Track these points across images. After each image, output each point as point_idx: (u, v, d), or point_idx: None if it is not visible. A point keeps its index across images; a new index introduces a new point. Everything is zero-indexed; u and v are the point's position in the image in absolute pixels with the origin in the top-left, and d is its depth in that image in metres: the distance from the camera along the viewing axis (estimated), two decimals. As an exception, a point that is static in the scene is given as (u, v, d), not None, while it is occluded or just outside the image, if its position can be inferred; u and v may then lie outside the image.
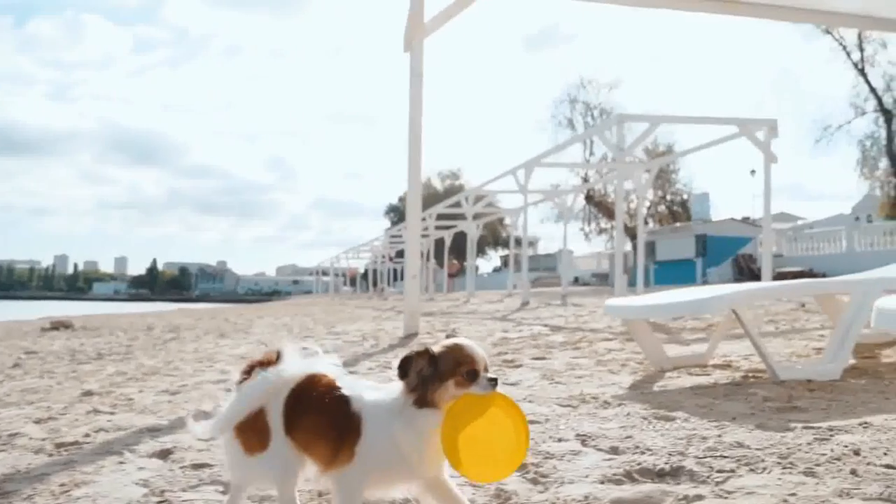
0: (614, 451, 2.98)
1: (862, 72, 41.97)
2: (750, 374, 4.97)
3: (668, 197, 55.51)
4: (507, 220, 28.88)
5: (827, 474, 2.57)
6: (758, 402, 4.02)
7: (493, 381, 2.03)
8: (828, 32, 41.31)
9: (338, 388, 2.17)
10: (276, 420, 2.22)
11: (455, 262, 42.76)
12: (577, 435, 3.29)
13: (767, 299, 4.97)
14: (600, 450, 3.00)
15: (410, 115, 9.92)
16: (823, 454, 2.84)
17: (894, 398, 3.97)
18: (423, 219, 31.48)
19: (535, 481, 2.62)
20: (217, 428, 2.26)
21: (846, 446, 2.94)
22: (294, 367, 2.29)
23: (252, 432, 2.23)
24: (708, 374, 5.13)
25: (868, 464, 2.69)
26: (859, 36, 40.71)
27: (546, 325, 10.76)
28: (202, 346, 10.35)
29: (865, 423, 3.36)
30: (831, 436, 3.15)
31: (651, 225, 53.57)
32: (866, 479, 2.51)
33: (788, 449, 2.94)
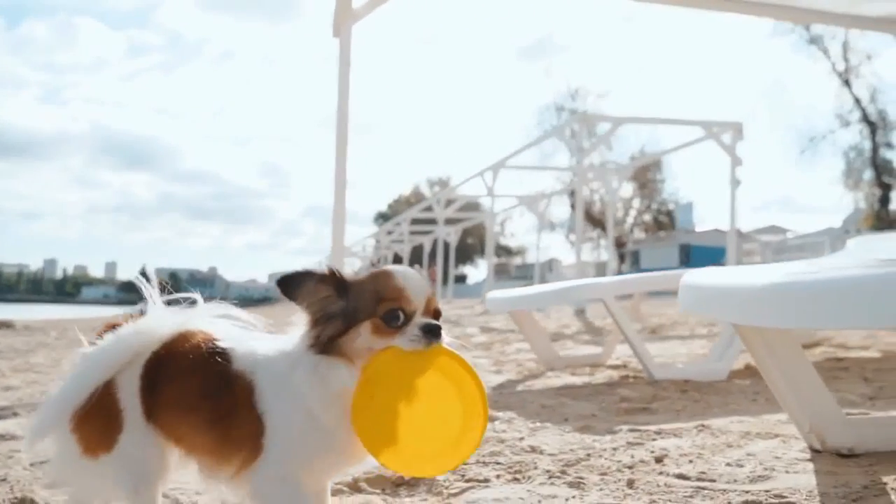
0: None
1: (847, 83, 41.71)
2: (632, 375, 4.48)
3: (655, 206, 55.11)
4: (486, 225, 28.40)
5: (596, 486, 2.08)
6: (611, 403, 3.54)
7: (432, 330, 1.37)
8: (812, 42, 41.11)
9: (213, 345, 1.50)
10: (130, 401, 1.53)
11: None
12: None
13: (634, 290, 4.51)
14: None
15: (339, 105, 9.46)
16: (619, 461, 2.36)
17: (763, 400, 3.48)
18: (398, 224, 31.02)
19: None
20: (41, 428, 1.55)
21: (653, 452, 2.46)
22: (155, 321, 1.60)
23: (95, 423, 1.53)
24: (591, 374, 4.65)
25: (660, 473, 2.21)
26: (844, 46, 40.51)
27: (483, 328, 10.29)
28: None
29: (702, 426, 2.88)
30: (652, 440, 2.67)
31: (634, 234, 53.24)
32: (639, 491, 2.02)
33: (587, 455, 2.46)
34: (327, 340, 1.38)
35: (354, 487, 2.10)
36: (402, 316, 1.38)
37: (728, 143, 15.63)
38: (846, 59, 42.07)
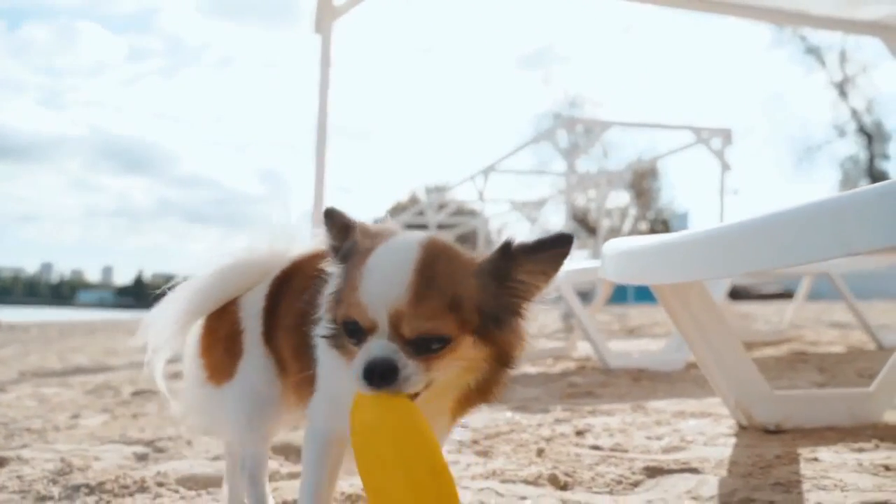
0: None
1: (843, 94, 41.79)
2: (590, 366, 4.43)
3: (651, 215, 55.12)
4: (478, 231, 28.38)
5: (505, 454, 2.04)
6: (559, 389, 3.49)
7: (371, 371, 0.98)
8: (810, 53, 41.23)
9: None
10: (251, 324, 1.35)
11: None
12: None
13: (591, 277, 4.44)
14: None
15: (319, 103, 9.44)
16: (540, 435, 2.31)
17: (710, 387, 3.43)
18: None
19: (143, 458, 2.08)
20: (168, 332, 1.39)
21: (576, 426, 2.41)
22: (291, 237, 1.42)
23: (219, 348, 1.37)
24: (550, 365, 4.60)
25: (575, 445, 2.16)
26: (841, 57, 40.61)
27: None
28: (71, 344, 9.80)
29: (638, 406, 2.83)
30: (581, 418, 2.62)
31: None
32: (546, 459, 1.98)
33: (511, 430, 2.41)
34: (331, 328, 1.08)
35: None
36: (359, 331, 1.01)
37: (717, 148, 15.65)
38: (843, 70, 42.15)
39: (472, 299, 1.02)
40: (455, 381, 1.08)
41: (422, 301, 0.98)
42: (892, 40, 10.22)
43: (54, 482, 1.86)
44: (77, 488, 1.79)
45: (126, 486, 1.78)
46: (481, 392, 1.13)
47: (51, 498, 1.74)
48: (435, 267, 1.01)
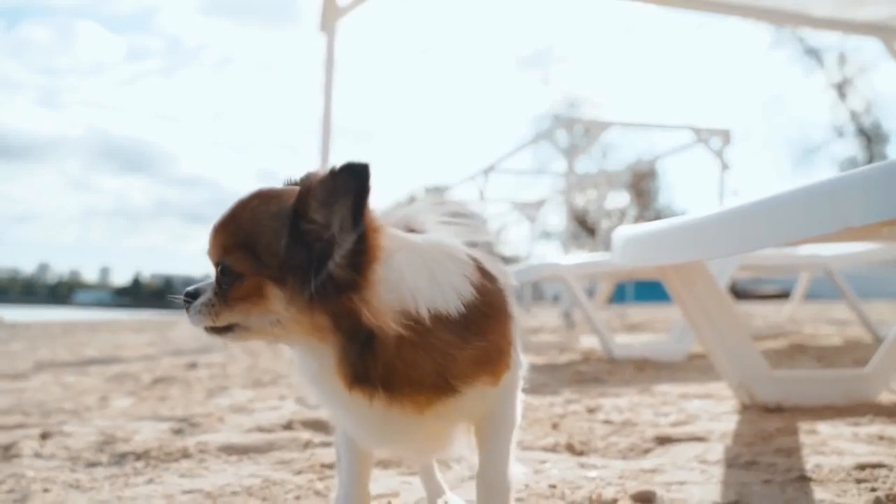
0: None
1: (842, 95, 41.96)
2: (595, 357, 4.55)
3: (651, 215, 55.28)
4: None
5: (521, 429, 2.14)
6: (567, 376, 3.62)
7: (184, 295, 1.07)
8: (808, 54, 41.39)
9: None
10: None
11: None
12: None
13: (593, 270, 4.55)
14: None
15: (324, 101, 9.55)
16: (553, 412, 2.44)
17: (715, 375, 3.55)
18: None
19: (179, 432, 2.20)
20: None
21: (588, 405, 2.54)
22: None
23: None
24: (555, 356, 4.72)
25: (587, 420, 2.29)
26: (840, 57, 40.76)
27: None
28: (77, 340, 9.90)
29: (645, 388, 2.96)
30: (591, 399, 2.75)
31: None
32: (560, 431, 2.11)
33: (524, 409, 2.52)
34: None
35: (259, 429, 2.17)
36: None
37: (717, 148, 15.78)
38: (842, 72, 42.27)
39: (267, 241, 0.99)
40: (314, 350, 1.00)
41: (217, 231, 1.03)
42: (891, 41, 10.32)
43: (101, 451, 1.98)
44: (124, 455, 1.91)
45: (170, 454, 1.90)
46: (355, 369, 0.99)
47: (100, 464, 1.86)
48: (248, 206, 1.03)
